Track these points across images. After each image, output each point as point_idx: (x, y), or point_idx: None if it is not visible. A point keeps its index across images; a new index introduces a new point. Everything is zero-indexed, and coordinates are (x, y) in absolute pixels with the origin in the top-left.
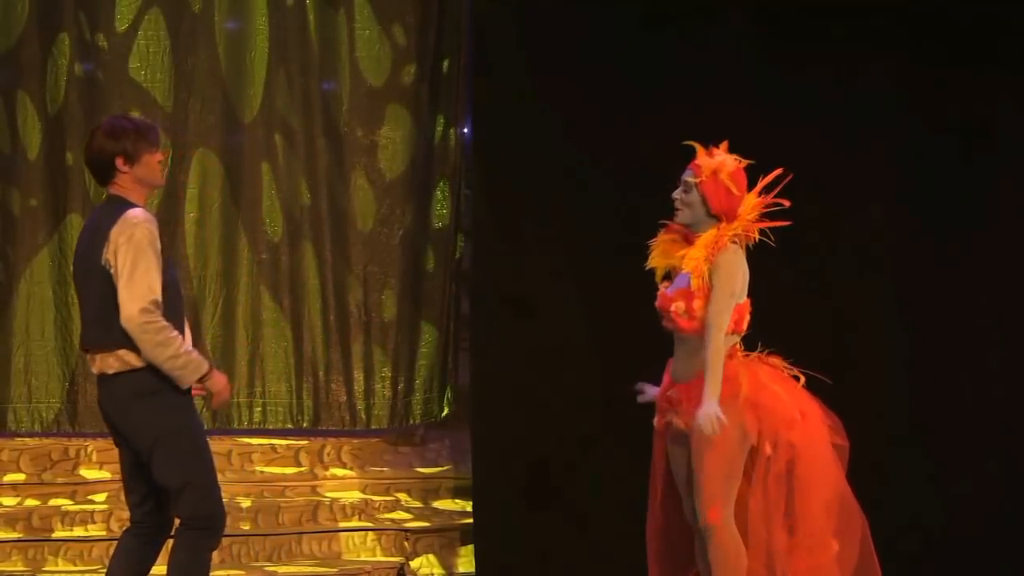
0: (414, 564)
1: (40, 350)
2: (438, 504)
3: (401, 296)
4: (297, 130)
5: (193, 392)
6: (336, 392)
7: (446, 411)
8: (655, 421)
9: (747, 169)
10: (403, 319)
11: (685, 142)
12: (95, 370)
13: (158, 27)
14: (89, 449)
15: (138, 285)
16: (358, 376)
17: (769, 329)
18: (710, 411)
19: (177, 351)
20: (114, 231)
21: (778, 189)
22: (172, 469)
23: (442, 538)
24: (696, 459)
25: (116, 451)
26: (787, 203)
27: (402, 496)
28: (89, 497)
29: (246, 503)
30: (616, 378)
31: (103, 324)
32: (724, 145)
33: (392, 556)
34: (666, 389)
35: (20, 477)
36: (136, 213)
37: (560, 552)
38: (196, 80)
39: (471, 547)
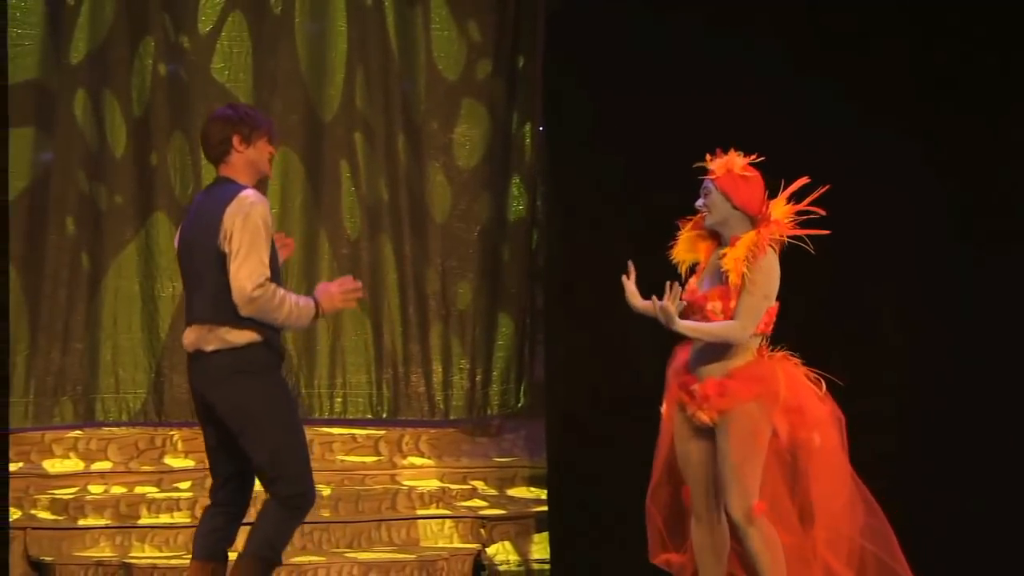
0: (490, 551)
1: (127, 342)
2: (513, 492)
3: (478, 289)
4: (376, 128)
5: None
6: (415, 383)
7: (522, 402)
8: (662, 408)
9: (759, 168)
10: (480, 312)
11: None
12: (190, 347)
13: (240, 28)
14: (175, 438)
15: (252, 263)
16: (436, 368)
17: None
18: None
19: (290, 308)
20: (228, 212)
21: (812, 197)
22: (263, 447)
23: (517, 525)
24: (730, 453)
25: (201, 440)
26: (822, 212)
27: (478, 484)
28: (174, 485)
29: (327, 491)
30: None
31: (215, 302)
32: (719, 152)
33: (469, 543)
34: (679, 378)
35: (108, 465)
36: (249, 193)
37: (634, 539)
38: (278, 80)
39: (546, 534)
